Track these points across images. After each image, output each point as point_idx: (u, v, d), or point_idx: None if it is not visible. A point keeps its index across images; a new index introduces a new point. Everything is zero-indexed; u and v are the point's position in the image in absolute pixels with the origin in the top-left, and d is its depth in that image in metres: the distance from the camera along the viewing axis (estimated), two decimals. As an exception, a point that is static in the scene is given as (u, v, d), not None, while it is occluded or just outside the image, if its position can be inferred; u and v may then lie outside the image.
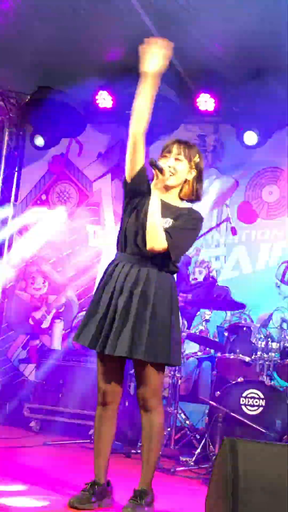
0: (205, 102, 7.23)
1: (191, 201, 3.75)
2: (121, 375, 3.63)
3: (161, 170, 3.52)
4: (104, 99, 7.49)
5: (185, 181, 3.68)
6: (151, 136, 7.25)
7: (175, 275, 3.70)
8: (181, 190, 3.70)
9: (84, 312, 7.70)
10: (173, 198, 3.69)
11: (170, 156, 3.65)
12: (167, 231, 3.49)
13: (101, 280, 3.65)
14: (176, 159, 3.63)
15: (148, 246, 3.48)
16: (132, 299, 3.47)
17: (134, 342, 3.39)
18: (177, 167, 3.62)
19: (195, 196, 3.73)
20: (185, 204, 3.72)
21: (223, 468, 2.37)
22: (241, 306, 6.38)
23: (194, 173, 3.68)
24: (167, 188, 3.65)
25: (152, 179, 3.60)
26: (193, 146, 3.73)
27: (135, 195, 3.63)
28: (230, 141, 7.67)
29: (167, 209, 3.60)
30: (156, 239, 3.46)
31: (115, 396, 3.60)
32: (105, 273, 3.66)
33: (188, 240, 3.65)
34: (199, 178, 3.71)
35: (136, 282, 3.49)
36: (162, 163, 3.60)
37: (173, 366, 3.67)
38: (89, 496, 3.40)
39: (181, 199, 3.72)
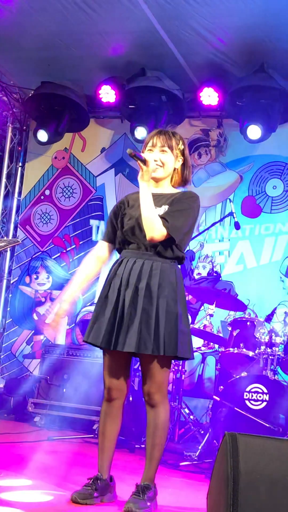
0: (209, 96, 7.22)
1: (182, 186, 3.79)
2: (127, 371, 3.64)
3: (144, 161, 3.51)
4: (107, 94, 7.48)
5: (174, 170, 3.72)
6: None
7: (180, 266, 3.70)
8: (171, 179, 3.74)
9: (88, 308, 7.84)
10: (164, 188, 3.73)
11: (155, 149, 3.67)
12: (162, 217, 3.50)
13: (107, 278, 3.66)
14: (162, 151, 3.66)
15: (148, 237, 3.48)
16: (138, 294, 3.47)
17: (142, 337, 3.40)
18: (163, 159, 3.65)
19: (184, 182, 3.79)
20: (177, 190, 3.75)
21: (223, 463, 2.36)
22: (243, 307, 6.35)
23: (181, 160, 3.73)
24: (157, 180, 3.68)
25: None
26: (175, 134, 3.75)
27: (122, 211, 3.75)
28: (233, 135, 7.66)
29: (160, 199, 3.63)
30: (153, 228, 3.47)
31: (120, 392, 3.60)
32: (110, 270, 3.67)
33: (187, 219, 3.60)
34: (186, 165, 3.76)
35: (140, 276, 3.50)
36: (148, 156, 3.59)
37: (182, 359, 3.66)
38: (92, 491, 3.41)
39: (173, 187, 3.76)
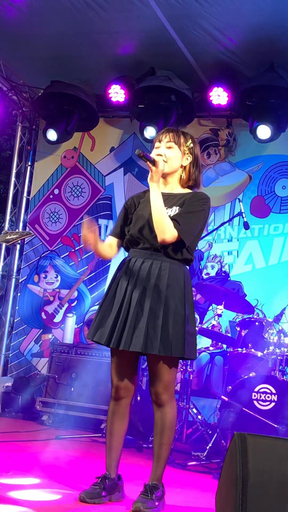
0: (218, 96, 7.21)
1: (190, 187, 3.75)
2: (135, 370, 3.64)
3: (153, 162, 3.52)
4: (117, 93, 7.49)
5: (182, 168, 3.70)
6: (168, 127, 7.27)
7: (188, 266, 3.70)
8: (180, 178, 3.72)
9: (96, 307, 7.84)
10: (173, 187, 3.71)
11: (161, 145, 3.67)
12: (173, 218, 3.49)
13: (114, 276, 3.66)
14: (168, 146, 3.65)
15: (159, 239, 3.47)
16: (146, 294, 3.47)
17: (149, 337, 3.39)
18: (168, 154, 3.64)
19: (193, 182, 3.74)
20: (187, 191, 3.73)
21: (233, 464, 2.36)
22: (251, 309, 6.33)
23: (190, 158, 3.70)
24: (165, 177, 3.67)
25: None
26: (185, 133, 3.74)
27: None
28: (243, 135, 7.66)
29: (171, 199, 3.62)
30: (164, 229, 3.46)
31: (128, 391, 3.61)
32: (118, 269, 3.67)
33: (198, 222, 3.59)
34: (195, 164, 3.72)
35: (148, 276, 3.50)
36: (154, 152, 3.61)
37: (187, 360, 3.66)
38: (100, 490, 3.41)
39: (182, 187, 3.74)
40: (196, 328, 3.77)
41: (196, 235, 3.63)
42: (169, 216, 3.51)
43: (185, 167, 3.71)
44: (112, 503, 3.42)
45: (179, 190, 3.71)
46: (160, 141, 3.68)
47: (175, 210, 3.56)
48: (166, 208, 3.55)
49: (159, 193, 3.52)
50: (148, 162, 3.51)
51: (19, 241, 4.34)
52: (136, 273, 3.53)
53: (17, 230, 4.37)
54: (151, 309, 3.44)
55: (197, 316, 6.98)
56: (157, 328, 3.39)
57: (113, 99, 7.54)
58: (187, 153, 3.69)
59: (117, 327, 3.47)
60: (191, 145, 3.71)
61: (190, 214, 3.55)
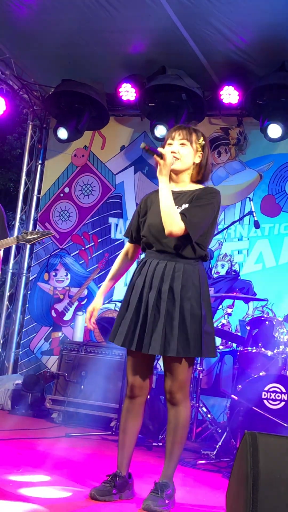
0: (229, 95, 7.21)
1: (200, 182, 3.78)
2: (150, 369, 3.66)
3: (160, 155, 3.53)
4: (128, 92, 7.49)
5: (194, 164, 3.72)
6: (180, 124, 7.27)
7: (204, 263, 3.71)
8: (191, 174, 3.74)
9: (106, 305, 7.85)
10: (185, 184, 3.73)
11: (174, 142, 3.68)
12: (182, 212, 3.51)
13: (131, 278, 3.68)
14: (181, 144, 3.67)
15: (166, 232, 3.48)
16: (161, 296, 3.49)
17: (167, 340, 3.42)
18: (181, 151, 3.66)
19: (203, 177, 3.77)
20: (197, 186, 3.74)
21: (243, 463, 2.36)
22: (262, 299, 6.34)
23: (201, 156, 3.72)
24: (176, 173, 3.69)
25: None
26: (196, 130, 3.76)
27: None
28: (253, 134, 7.64)
29: (182, 196, 3.63)
30: (172, 222, 3.47)
31: (143, 390, 3.62)
32: (134, 271, 3.69)
33: (206, 215, 3.59)
34: (206, 161, 3.74)
35: (162, 278, 3.51)
36: (164, 150, 3.62)
37: (206, 357, 3.66)
38: (110, 488, 3.41)
39: (193, 183, 3.76)
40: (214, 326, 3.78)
41: (208, 230, 3.63)
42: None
43: (197, 164, 3.72)
44: (122, 501, 3.43)
45: (189, 186, 3.73)
46: (173, 139, 3.69)
47: (185, 207, 3.58)
48: (178, 207, 3.56)
49: (168, 186, 3.54)
50: (155, 156, 3.52)
51: (40, 241, 4.38)
52: (151, 275, 3.55)
53: (37, 230, 4.47)
54: (168, 312, 3.46)
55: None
56: (174, 330, 3.41)
57: (124, 98, 7.54)
58: (199, 150, 3.71)
59: (137, 331, 3.49)
60: (203, 142, 3.74)
61: (198, 207, 3.56)
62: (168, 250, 3.56)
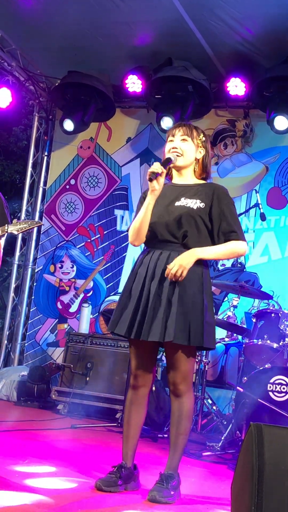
0: (236, 86, 7.19)
1: (203, 179, 3.81)
2: (153, 360, 3.66)
3: (168, 160, 3.63)
4: (134, 83, 7.48)
5: (196, 160, 3.76)
6: (180, 121, 7.25)
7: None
8: (194, 170, 3.77)
9: (112, 297, 7.86)
10: (188, 179, 3.76)
11: (175, 138, 3.72)
12: (231, 231, 3.58)
13: (133, 268, 3.69)
14: (182, 140, 3.71)
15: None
16: (163, 285, 3.49)
17: (167, 327, 3.41)
18: (183, 147, 3.70)
19: (206, 174, 3.80)
20: (201, 182, 3.78)
21: (248, 454, 2.36)
22: (269, 296, 6.33)
23: (203, 151, 3.77)
24: (178, 169, 3.74)
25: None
26: (196, 127, 3.81)
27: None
28: (260, 126, 7.63)
29: (188, 190, 3.67)
30: (239, 252, 3.68)
31: (146, 380, 3.62)
32: (136, 261, 3.70)
33: (238, 217, 3.72)
34: (207, 156, 3.79)
35: (165, 267, 3.51)
36: (168, 146, 3.71)
37: (206, 349, 3.67)
38: (116, 479, 3.42)
39: (196, 178, 3.79)
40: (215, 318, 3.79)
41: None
42: (194, 209, 3.56)
43: (198, 160, 3.76)
44: (127, 492, 3.44)
45: (193, 181, 3.76)
46: (173, 135, 3.74)
47: (195, 202, 3.59)
48: (185, 199, 3.60)
49: (209, 248, 3.58)
50: (168, 165, 3.62)
51: (29, 230, 4.40)
52: (154, 265, 3.55)
53: (27, 220, 4.51)
54: (169, 300, 3.46)
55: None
56: (173, 316, 3.41)
57: (130, 90, 7.53)
58: (200, 146, 3.76)
59: (137, 319, 3.49)
60: (203, 138, 3.79)
61: (234, 216, 3.65)
62: (173, 240, 3.57)
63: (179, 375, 3.51)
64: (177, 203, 3.61)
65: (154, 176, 3.52)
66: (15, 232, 4.36)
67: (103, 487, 3.36)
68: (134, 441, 3.59)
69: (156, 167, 3.53)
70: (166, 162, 3.61)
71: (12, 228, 4.35)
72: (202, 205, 3.59)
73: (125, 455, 3.56)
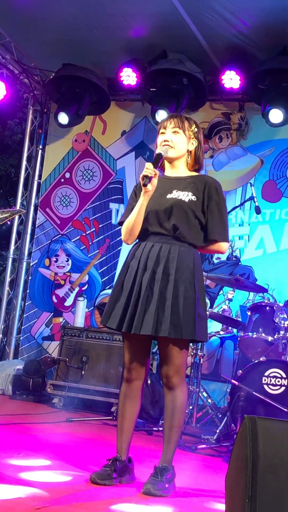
0: (231, 79, 7.18)
1: (196, 170, 3.79)
2: (147, 353, 3.65)
3: (159, 155, 3.61)
4: (129, 76, 7.46)
5: (188, 152, 3.73)
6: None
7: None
8: (186, 162, 3.75)
9: (107, 291, 7.86)
10: (180, 171, 3.74)
11: (167, 131, 3.70)
12: (214, 239, 3.60)
13: (125, 261, 3.68)
14: (173, 132, 3.68)
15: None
16: (155, 278, 3.49)
17: (159, 320, 3.41)
18: (175, 139, 3.67)
19: (198, 165, 3.78)
20: (194, 173, 3.76)
21: (243, 447, 2.36)
22: (264, 289, 6.34)
23: (195, 143, 3.74)
24: (170, 161, 3.72)
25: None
26: (188, 118, 3.78)
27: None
28: (255, 119, 7.62)
29: (180, 182, 3.65)
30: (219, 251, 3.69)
31: (139, 374, 3.61)
32: (128, 254, 3.69)
33: (226, 214, 3.69)
34: (200, 148, 3.76)
35: (158, 260, 3.51)
36: (159, 139, 3.69)
37: (198, 342, 3.68)
38: (110, 472, 3.42)
39: (189, 170, 3.77)
40: (207, 312, 3.79)
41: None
42: (185, 201, 3.55)
43: (191, 151, 3.74)
44: (122, 485, 3.44)
45: (186, 173, 3.74)
46: (165, 128, 3.71)
47: (187, 195, 3.58)
48: (177, 191, 3.59)
49: None
50: (159, 161, 3.60)
51: (10, 219, 4.37)
52: (146, 257, 3.55)
53: (8, 209, 4.51)
54: (161, 293, 3.45)
55: (207, 301, 6.97)
56: (167, 310, 3.41)
57: (125, 82, 7.51)
58: (192, 138, 3.73)
59: (128, 312, 3.49)
60: (196, 129, 3.75)
61: (221, 214, 3.63)
62: (164, 233, 3.57)
63: (172, 368, 3.51)
64: (168, 196, 3.60)
65: (148, 180, 3.49)
66: None
67: (98, 480, 3.36)
68: (128, 434, 3.59)
69: (149, 170, 3.50)
70: (157, 161, 3.58)
71: None
72: (194, 198, 3.58)
73: (120, 448, 3.56)
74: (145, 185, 3.50)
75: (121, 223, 3.75)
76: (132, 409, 3.61)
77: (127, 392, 3.62)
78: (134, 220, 3.59)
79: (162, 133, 3.70)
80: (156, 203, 3.59)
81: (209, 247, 3.66)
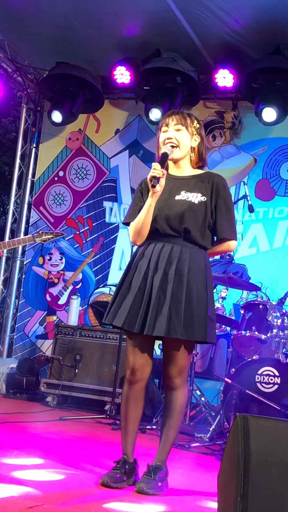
0: (224, 78, 7.18)
1: (200, 167, 3.74)
2: (151, 352, 3.61)
3: (165, 155, 3.52)
4: (122, 75, 7.46)
5: (192, 149, 3.68)
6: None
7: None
8: (190, 159, 3.70)
9: (101, 289, 7.86)
10: (184, 170, 3.68)
11: (169, 128, 3.63)
12: (224, 237, 3.58)
13: (132, 260, 3.63)
14: (176, 129, 3.61)
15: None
16: (167, 279, 3.44)
17: (172, 322, 3.36)
18: (178, 137, 3.60)
19: (202, 162, 3.74)
20: (198, 171, 3.70)
21: (235, 445, 2.37)
22: (257, 287, 6.36)
23: (198, 139, 3.68)
24: (175, 161, 3.65)
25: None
26: (189, 114, 3.71)
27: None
28: (248, 117, 7.63)
29: (186, 183, 3.60)
30: (227, 250, 3.68)
31: (143, 374, 3.55)
32: (136, 253, 3.63)
33: (233, 213, 3.66)
34: (203, 144, 3.71)
35: (169, 260, 3.46)
36: (162, 136, 3.63)
37: (209, 343, 3.63)
38: (121, 474, 3.36)
39: (193, 167, 3.72)
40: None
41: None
42: (195, 203, 3.51)
43: (194, 148, 3.68)
44: (128, 488, 3.39)
45: (190, 171, 3.68)
46: (167, 125, 3.63)
47: (196, 196, 3.53)
48: (186, 192, 3.54)
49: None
50: (166, 160, 3.52)
51: (52, 240, 5.30)
52: (157, 257, 3.49)
53: (51, 231, 5.66)
54: (173, 294, 3.41)
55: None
56: (180, 312, 3.37)
57: (118, 81, 7.51)
58: (195, 134, 3.66)
59: (140, 312, 3.43)
60: (197, 125, 3.68)
61: (229, 212, 3.60)
62: (174, 235, 3.51)
63: (176, 369, 3.49)
64: (177, 197, 3.54)
65: (156, 181, 3.41)
66: (42, 242, 5.24)
67: (111, 483, 3.29)
68: (133, 436, 3.53)
69: (157, 171, 3.42)
70: (164, 160, 3.49)
71: (39, 239, 5.11)
72: (203, 198, 3.53)
73: (126, 450, 3.49)
74: (153, 186, 3.41)
75: (127, 223, 3.67)
76: (135, 410, 3.55)
77: (130, 395, 3.55)
78: (142, 221, 3.51)
79: (165, 131, 3.63)
80: (165, 204, 3.53)
81: (218, 249, 3.64)
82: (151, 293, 3.44)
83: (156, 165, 3.44)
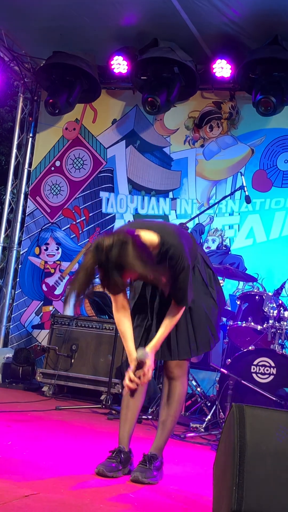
0: (222, 68, 7.17)
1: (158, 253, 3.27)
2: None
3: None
4: (119, 65, 7.44)
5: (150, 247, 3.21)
6: (166, 103, 7.23)
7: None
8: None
9: (97, 279, 7.83)
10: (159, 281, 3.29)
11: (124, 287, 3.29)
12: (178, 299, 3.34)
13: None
14: (128, 283, 3.27)
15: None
16: (164, 303, 3.44)
17: (180, 345, 3.45)
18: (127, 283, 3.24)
19: (153, 246, 3.24)
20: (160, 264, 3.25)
21: (230, 435, 2.38)
22: (253, 278, 6.36)
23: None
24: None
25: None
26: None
27: None
28: (246, 108, 7.61)
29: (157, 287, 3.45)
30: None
31: None
32: None
33: (187, 282, 3.30)
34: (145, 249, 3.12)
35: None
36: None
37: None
38: (117, 464, 3.36)
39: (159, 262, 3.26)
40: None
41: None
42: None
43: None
44: (123, 477, 3.39)
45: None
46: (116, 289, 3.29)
47: (168, 296, 3.40)
48: (159, 297, 3.47)
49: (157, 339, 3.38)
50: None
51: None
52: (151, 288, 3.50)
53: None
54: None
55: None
56: (190, 334, 3.45)
57: (116, 71, 7.49)
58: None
59: (141, 334, 3.49)
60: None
61: (180, 286, 3.29)
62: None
63: (175, 362, 3.51)
64: (156, 303, 3.47)
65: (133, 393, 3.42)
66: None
67: (106, 472, 3.29)
68: (131, 425, 3.52)
69: (132, 384, 3.34)
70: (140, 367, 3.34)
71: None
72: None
73: (123, 439, 3.49)
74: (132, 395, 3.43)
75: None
76: (137, 400, 3.54)
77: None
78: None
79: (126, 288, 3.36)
80: (143, 307, 3.51)
81: (175, 322, 3.40)
82: (152, 316, 3.48)
83: (130, 376, 3.33)
